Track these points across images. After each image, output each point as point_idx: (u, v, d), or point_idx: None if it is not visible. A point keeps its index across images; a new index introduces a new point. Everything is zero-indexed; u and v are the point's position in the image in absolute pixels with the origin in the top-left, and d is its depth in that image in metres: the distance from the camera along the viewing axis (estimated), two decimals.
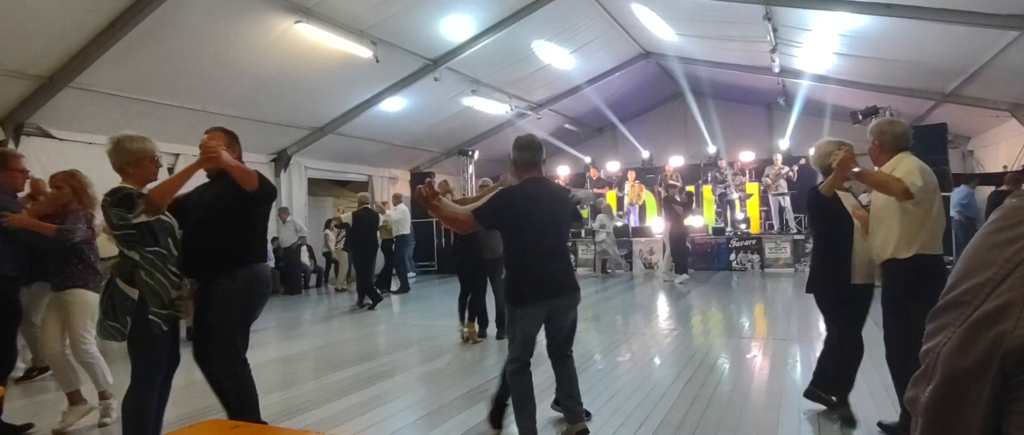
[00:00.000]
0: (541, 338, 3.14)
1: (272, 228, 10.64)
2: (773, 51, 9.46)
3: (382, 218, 10.02)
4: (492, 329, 6.01)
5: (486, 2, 8.65)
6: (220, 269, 2.87)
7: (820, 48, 9.32)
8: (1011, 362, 0.59)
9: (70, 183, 3.78)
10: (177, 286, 2.83)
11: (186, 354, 3.00)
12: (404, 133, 12.56)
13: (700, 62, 12.03)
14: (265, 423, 3.09)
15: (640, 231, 13.34)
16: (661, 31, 10.47)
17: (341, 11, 7.60)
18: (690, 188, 13.35)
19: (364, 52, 8.23)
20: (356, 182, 14.15)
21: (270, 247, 9.85)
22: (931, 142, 9.43)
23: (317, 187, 13.96)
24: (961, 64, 8.33)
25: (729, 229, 12.67)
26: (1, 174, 3.73)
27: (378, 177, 14.10)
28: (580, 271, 12.40)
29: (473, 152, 13.73)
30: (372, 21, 8.00)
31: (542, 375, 3.46)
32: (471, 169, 13.74)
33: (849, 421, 3.29)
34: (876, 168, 3.12)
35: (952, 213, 9.20)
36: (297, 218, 11.54)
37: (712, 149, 14.35)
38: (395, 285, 10.81)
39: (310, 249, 12.30)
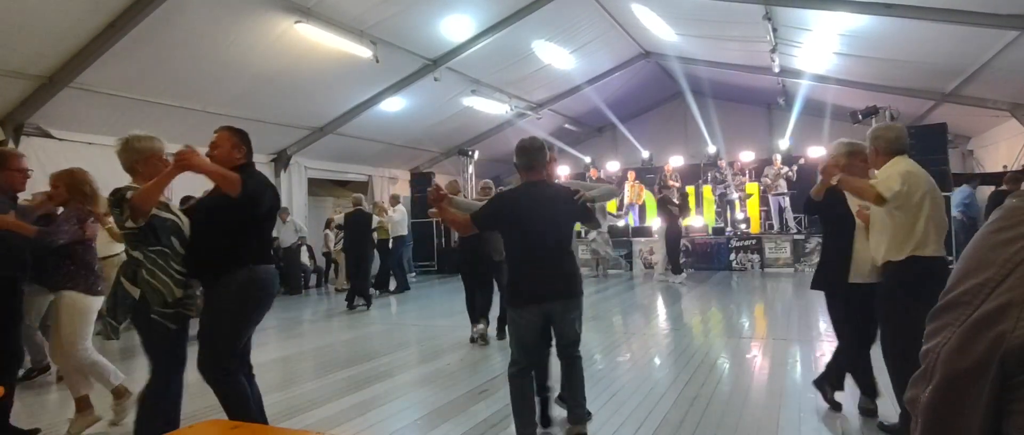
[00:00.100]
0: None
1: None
2: (773, 51, 9.45)
3: (376, 220, 10.00)
4: (492, 329, 6.00)
5: (486, 2, 8.64)
6: (219, 270, 2.87)
7: (820, 48, 9.31)
8: (1011, 362, 0.59)
9: (65, 181, 3.73)
10: (183, 285, 2.81)
11: (189, 354, 2.98)
12: (404, 133, 12.56)
13: (700, 62, 12.03)
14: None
15: (640, 231, 13.34)
16: (661, 31, 10.47)
17: (341, 11, 7.60)
18: (689, 189, 13.34)
19: (364, 52, 8.23)
20: (356, 182, 14.13)
21: None
22: (931, 142, 9.44)
23: (317, 187, 13.95)
24: (961, 64, 8.33)
25: (729, 229, 12.67)
26: (1, 174, 3.71)
27: (378, 177, 14.10)
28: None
29: (473, 152, 13.72)
30: (372, 21, 8.00)
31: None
32: (471, 169, 13.73)
33: (870, 413, 3.34)
34: (874, 171, 3.17)
35: (954, 213, 9.17)
36: (297, 218, 11.55)
37: (712, 149, 14.36)
38: (392, 285, 10.81)
39: (310, 249, 12.31)
